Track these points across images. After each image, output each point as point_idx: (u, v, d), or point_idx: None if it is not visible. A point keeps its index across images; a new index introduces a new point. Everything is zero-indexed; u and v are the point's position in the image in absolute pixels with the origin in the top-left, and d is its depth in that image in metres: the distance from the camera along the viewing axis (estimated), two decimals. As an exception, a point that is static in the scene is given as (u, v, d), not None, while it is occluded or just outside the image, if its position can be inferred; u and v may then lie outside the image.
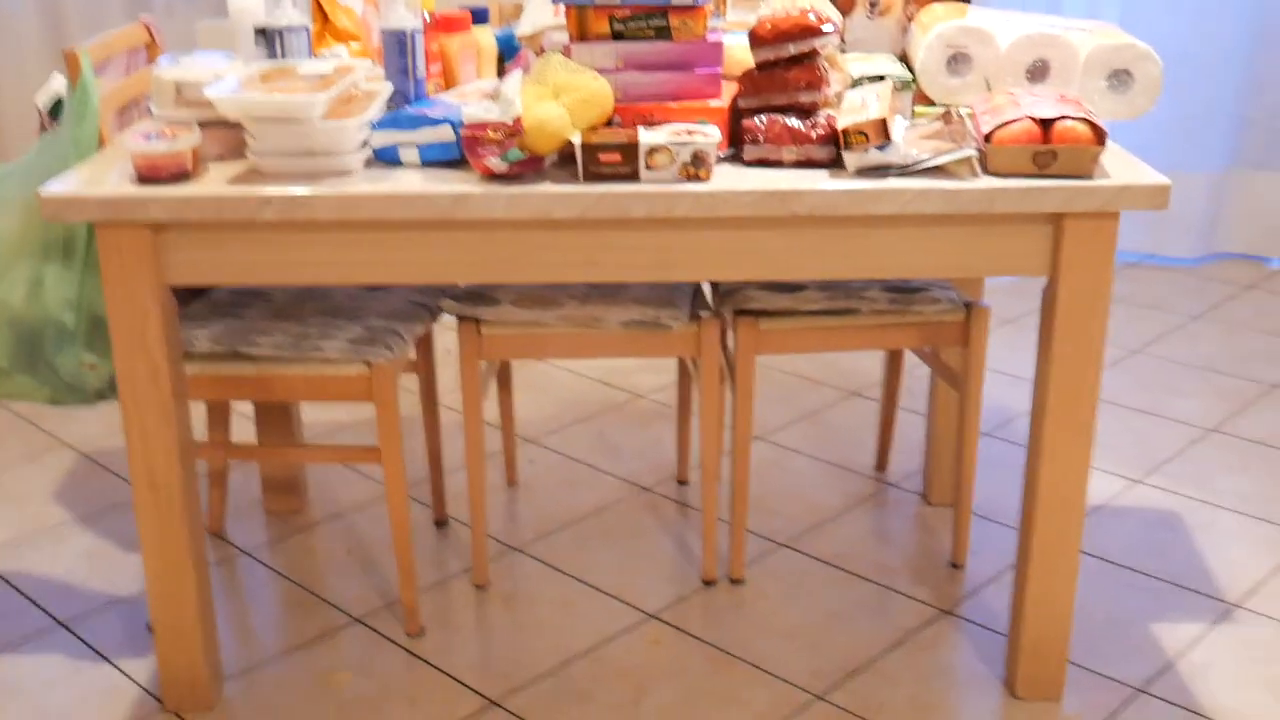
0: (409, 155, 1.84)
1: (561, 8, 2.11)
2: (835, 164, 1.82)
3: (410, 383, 2.97)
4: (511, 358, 2.23)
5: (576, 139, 1.76)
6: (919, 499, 2.63)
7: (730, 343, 2.26)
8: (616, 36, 1.87)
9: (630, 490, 2.68)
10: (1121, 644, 2.15)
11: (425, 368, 2.41)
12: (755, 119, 1.83)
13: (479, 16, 2.16)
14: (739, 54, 2.00)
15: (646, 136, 1.75)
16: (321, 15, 2.17)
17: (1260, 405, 3.04)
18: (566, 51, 1.88)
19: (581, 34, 1.88)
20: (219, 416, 2.43)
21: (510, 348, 2.21)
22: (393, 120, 1.83)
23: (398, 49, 1.93)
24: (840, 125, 1.77)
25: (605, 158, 1.75)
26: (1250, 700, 2.02)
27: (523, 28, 2.16)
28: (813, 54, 1.84)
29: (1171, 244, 3.99)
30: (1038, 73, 1.96)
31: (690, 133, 1.77)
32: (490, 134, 1.75)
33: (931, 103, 2.00)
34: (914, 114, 1.97)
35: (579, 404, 3.10)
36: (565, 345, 2.21)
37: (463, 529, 2.53)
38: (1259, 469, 2.73)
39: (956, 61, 1.97)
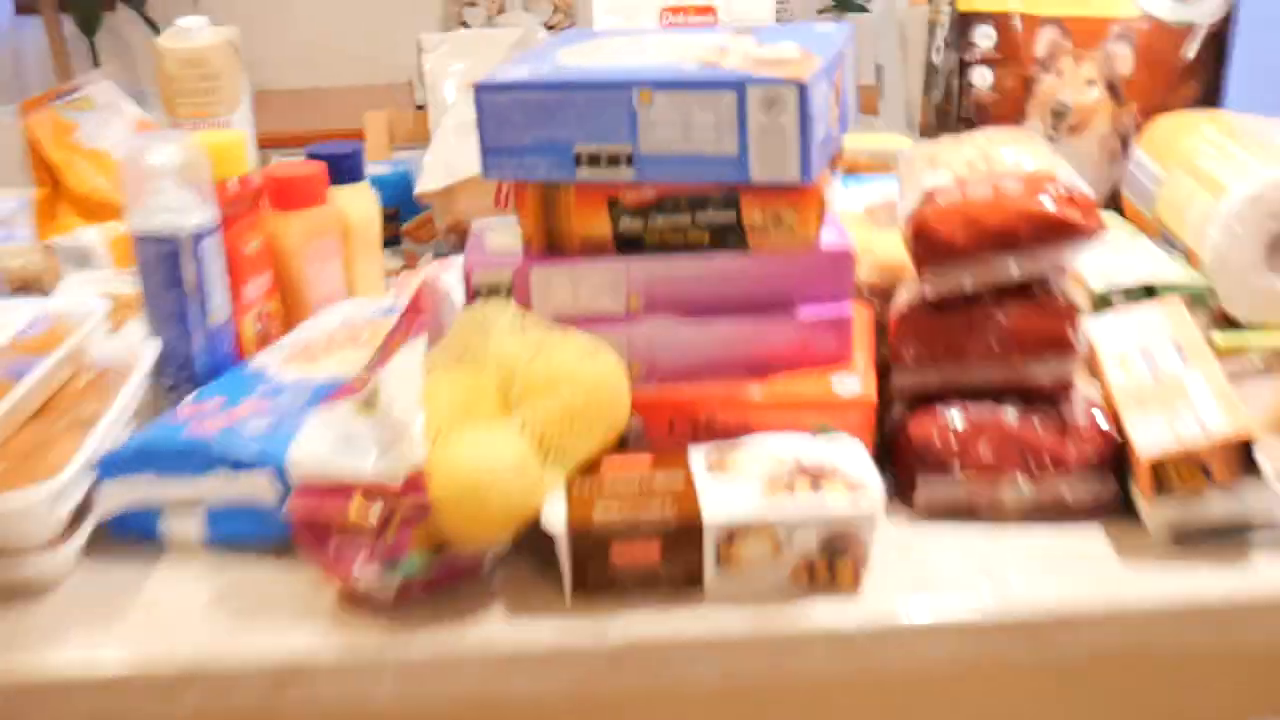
0: (182, 528, 0.84)
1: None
2: (1109, 508, 0.85)
3: None
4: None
5: (559, 510, 0.77)
6: None
7: None
8: (626, 245, 0.87)
9: None
10: None
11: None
12: (943, 416, 0.85)
13: (341, 164, 1.13)
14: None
15: (717, 498, 0.76)
16: (48, 175, 1.15)
17: None
18: (520, 289, 0.88)
19: (548, 240, 0.88)
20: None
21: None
22: (143, 451, 0.83)
23: (163, 269, 0.92)
24: (1142, 450, 0.79)
25: (624, 553, 0.76)
26: None
27: (426, 180, 1.16)
28: (1054, 275, 0.86)
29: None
30: None
31: (816, 476, 0.78)
32: (354, 514, 0.75)
33: (1235, 325, 1.03)
34: (1216, 348, 0.99)
35: None
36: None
37: None
38: None
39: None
